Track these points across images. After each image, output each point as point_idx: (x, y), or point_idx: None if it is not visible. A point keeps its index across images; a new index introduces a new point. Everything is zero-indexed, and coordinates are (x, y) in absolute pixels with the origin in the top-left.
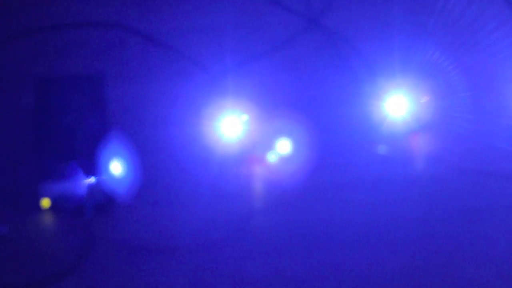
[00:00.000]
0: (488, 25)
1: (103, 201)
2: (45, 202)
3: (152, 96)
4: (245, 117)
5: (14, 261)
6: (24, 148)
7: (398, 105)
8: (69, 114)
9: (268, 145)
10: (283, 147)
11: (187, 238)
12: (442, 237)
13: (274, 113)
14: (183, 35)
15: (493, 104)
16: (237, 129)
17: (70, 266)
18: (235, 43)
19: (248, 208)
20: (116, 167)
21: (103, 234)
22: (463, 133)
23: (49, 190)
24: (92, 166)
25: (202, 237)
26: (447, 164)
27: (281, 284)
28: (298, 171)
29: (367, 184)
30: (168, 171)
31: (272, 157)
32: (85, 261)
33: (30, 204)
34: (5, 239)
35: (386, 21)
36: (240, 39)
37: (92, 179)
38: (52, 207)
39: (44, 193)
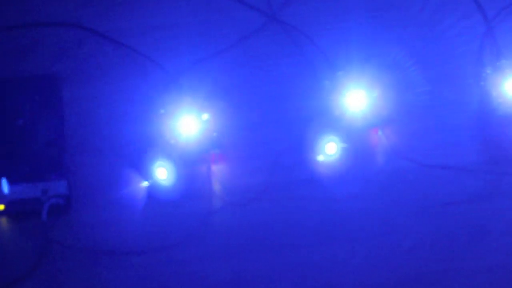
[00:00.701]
0: (447, 19)
1: (60, 203)
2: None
3: (110, 95)
4: (205, 115)
5: None
6: None
7: (357, 99)
8: (24, 115)
9: (227, 143)
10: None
11: (145, 239)
12: (402, 232)
13: (233, 110)
14: (140, 34)
15: (452, 99)
16: (196, 127)
17: (27, 270)
18: (193, 40)
19: (207, 208)
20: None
21: (60, 237)
22: (423, 127)
23: (5, 193)
24: (49, 167)
25: (160, 238)
26: (407, 159)
27: (241, 283)
28: (257, 169)
29: (327, 181)
30: (126, 171)
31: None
32: (42, 264)
33: None
34: None
35: (345, 16)
36: (198, 36)
37: (48, 182)
38: (7, 210)
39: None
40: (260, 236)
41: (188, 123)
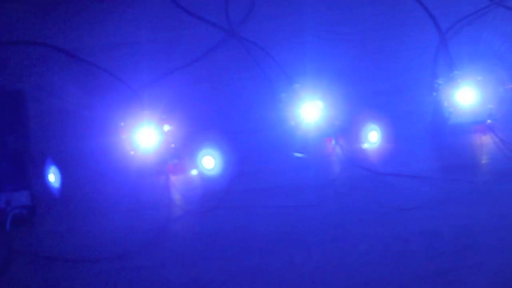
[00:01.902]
0: (402, 32)
1: (23, 214)
2: None
3: (73, 110)
4: (167, 126)
5: None
6: None
7: (312, 111)
8: None
9: (186, 154)
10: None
11: (106, 248)
12: (357, 238)
13: (193, 122)
14: (103, 51)
15: (406, 109)
16: (155, 139)
17: None
18: (155, 57)
19: (166, 216)
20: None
21: (23, 246)
22: (377, 136)
23: None
24: (13, 179)
25: (121, 246)
26: (361, 167)
27: None
28: (216, 179)
29: (284, 189)
30: (88, 182)
31: (194, 171)
32: (5, 273)
33: None
34: None
35: (302, 31)
36: (160, 52)
37: (12, 193)
38: None
39: None
40: (219, 243)
41: (147, 135)
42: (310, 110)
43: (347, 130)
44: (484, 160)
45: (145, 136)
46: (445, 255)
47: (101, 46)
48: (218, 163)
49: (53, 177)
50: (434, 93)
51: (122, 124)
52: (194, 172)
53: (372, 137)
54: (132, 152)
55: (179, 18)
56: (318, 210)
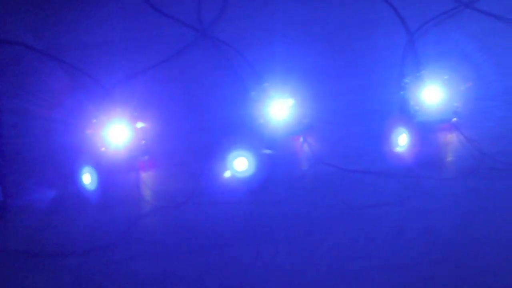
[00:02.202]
0: (371, 32)
1: None
2: None
3: (46, 108)
4: (139, 124)
5: None
6: None
7: (281, 109)
8: None
9: (157, 151)
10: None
11: (78, 242)
12: (324, 233)
13: (165, 119)
14: (77, 51)
15: (374, 107)
16: (126, 136)
17: None
18: (128, 56)
19: (136, 212)
20: None
21: None
22: (345, 135)
23: None
24: None
25: (92, 240)
26: (328, 164)
27: (171, 282)
28: (185, 175)
29: (253, 185)
30: (60, 178)
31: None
32: None
33: None
34: None
35: (272, 31)
36: (132, 51)
37: None
38: None
39: None
40: (188, 238)
41: (119, 132)
42: (279, 108)
43: (315, 127)
44: (449, 157)
45: (116, 133)
46: (410, 250)
47: (74, 45)
48: (188, 159)
49: (25, 172)
50: (401, 92)
51: (94, 121)
52: (161, 168)
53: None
54: (103, 149)
55: (152, 18)
56: (286, 206)
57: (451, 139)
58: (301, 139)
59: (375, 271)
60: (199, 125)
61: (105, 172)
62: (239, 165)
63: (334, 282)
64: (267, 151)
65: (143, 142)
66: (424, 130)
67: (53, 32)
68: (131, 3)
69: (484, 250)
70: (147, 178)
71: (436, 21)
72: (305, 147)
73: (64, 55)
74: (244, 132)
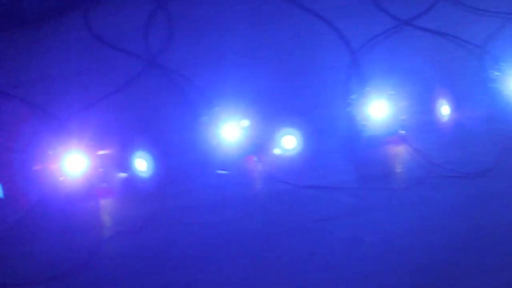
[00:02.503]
0: (316, 53)
1: None
2: None
3: (2, 143)
4: (96, 152)
5: None
6: None
7: (233, 131)
8: None
9: (115, 178)
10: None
11: (38, 272)
12: (282, 249)
13: (122, 148)
14: (30, 85)
15: (323, 125)
16: (83, 165)
17: None
18: (80, 88)
19: (97, 238)
20: None
21: None
22: (296, 152)
23: None
24: None
25: (53, 269)
26: (283, 182)
27: None
28: (144, 200)
29: (208, 206)
30: (20, 209)
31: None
32: None
33: None
34: None
35: (220, 57)
36: (84, 84)
37: None
38: None
39: None
40: (149, 260)
41: (76, 161)
42: (230, 130)
43: (267, 147)
44: (399, 169)
45: (73, 162)
46: (368, 259)
47: (26, 80)
48: (143, 184)
49: None
50: (348, 109)
51: (51, 152)
52: (120, 195)
53: (289, 147)
54: (62, 178)
55: (101, 51)
56: (242, 224)
57: (399, 151)
58: (254, 158)
59: (334, 281)
60: (153, 151)
61: (64, 201)
62: None
63: None
64: (222, 172)
65: (101, 170)
66: (373, 144)
67: (5, 67)
68: (81, 37)
69: (437, 255)
70: (106, 204)
71: (378, 40)
72: (258, 166)
73: (17, 90)
74: (199, 154)
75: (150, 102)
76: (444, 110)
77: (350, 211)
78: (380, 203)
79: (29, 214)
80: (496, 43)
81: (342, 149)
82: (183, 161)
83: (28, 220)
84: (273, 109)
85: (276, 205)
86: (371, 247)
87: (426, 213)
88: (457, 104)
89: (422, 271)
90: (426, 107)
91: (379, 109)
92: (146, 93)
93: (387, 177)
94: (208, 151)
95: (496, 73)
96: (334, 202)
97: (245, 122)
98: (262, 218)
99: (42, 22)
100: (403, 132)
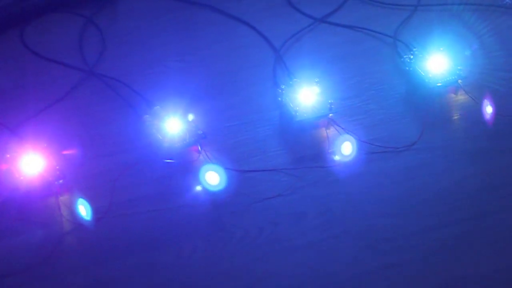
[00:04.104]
0: (243, 53)
1: None
2: None
3: None
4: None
5: None
6: None
7: (175, 125)
8: None
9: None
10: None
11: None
12: (234, 228)
13: (74, 147)
14: None
15: (257, 116)
16: (38, 165)
17: None
18: (25, 100)
19: (59, 231)
20: None
21: None
22: (237, 141)
23: None
24: None
25: (22, 262)
26: (228, 168)
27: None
28: (98, 194)
29: (160, 195)
30: None
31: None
32: None
33: None
34: None
35: (153, 62)
36: (25, 96)
37: None
38: None
39: None
40: (111, 247)
41: (32, 161)
42: (173, 124)
43: (209, 138)
44: (331, 148)
45: (30, 162)
46: (313, 230)
47: None
48: (96, 181)
49: None
50: (279, 98)
51: (8, 155)
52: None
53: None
54: (22, 178)
55: (39, 65)
56: (194, 209)
57: (330, 133)
58: (199, 147)
59: (283, 252)
60: (103, 150)
61: (25, 199)
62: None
63: (247, 266)
64: (169, 160)
65: (58, 168)
66: (306, 127)
67: None
68: (18, 54)
69: (372, 222)
70: (64, 200)
71: (297, 37)
72: (202, 155)
73: None
74: (146, 148)
75: (92, 108)
76: (364, 94)
77: (290, 189)
78: (317, 179)
79: None
80: (406, 31)
81: (277, 135)
82: (132, 157)
83: None
84: (209, 105)
85: (222, 189)
86: (313, 219)
87: (360, 185)
88: (377, 87)
89: (361, 236)
90: (349, 93)
91: (308, 95)
92: (87, 100)
93: (320, 156)
94: (154, 144)
95: (410, 57)
96: (276, 182)
97: (190, 116)
98: (210, 202)
99: None
100: (332, 115)
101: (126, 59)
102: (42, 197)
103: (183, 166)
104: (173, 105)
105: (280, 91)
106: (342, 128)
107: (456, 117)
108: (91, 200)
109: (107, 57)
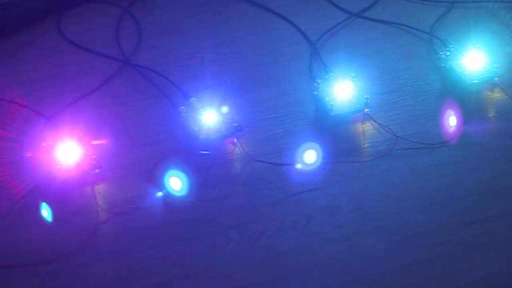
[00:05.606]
0: (281, 47)
1: None
2: None
3: None
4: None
5: None
6: None
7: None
8: None
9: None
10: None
11: (43, 252)
12: (267, 220)
13: (108, 139)
14: (19, 88)
15: (292, 110)
16: (76, 155)
17: None
18: (63, 89)
19: (95, 220)
20: None
21: None
22: (272, 135)
23: None
24: None
25: (58, 249)
26: (261, 161)
27: (135, 276)
28: (133, 184)
29: (196, 186)
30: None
31: None
32: None
33: None
34: None
35: (189, 54)
36: (63, 85)
37: None
38: None
39: None
40: (146, 237)
41: (69, 150)
42: (208, 116)
43: (244, 131)
44: (366, 143)
45: (66, 151)
46: (346, 224)
47: (17, 84)
48: (131, 171)
49: None
50: (315, 92)
51: (44, 144)
52: (111, 180)
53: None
54: (58, 166)
55: (75, 54)
56: (229, 201)
57: (366, 128)
58: (234, 140)
59: (318, 245)
60: (138, 141)
61: (61, 187)
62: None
63: (280, 258)
64: (205, 152)
65: (94, 157)
66: (341, 122)
67: None
68: (56, 44)
69: (408, 217)
70: (100, 190)
71: (333, 31)
72: (238, 148)
73: (7, 94)
74: (181, 139)
75: (128, 97)
76: (401, 90)
77: (325, 183)
78: (352, 174)
79: (30, 201)
80: (442, 28)
81: (313, 129)
82: (167, 149)
83: (29, 208)
84: (245, 97)
85: (257, 182)
86: (348, 213)
87: (394, 181)
88: (413, 83)
89: (394, 231)
90: (384, 88)
91: (344, 90)
92: (123, 90)
93: (356, 151)
94: (190, 136)
95: (446, 53)
96: (310, 176)
97: (225, 109)
98: (245, 194)
99: (17, 31)
100: (368, 109)
101: (162, 50)
102: (78, 186)
103: (218, 158)
104: (208, 97)
105: (316, 85)
106: (378, 123)
107: (492, 115)
108: (126, 191)
109: (143, 48)
